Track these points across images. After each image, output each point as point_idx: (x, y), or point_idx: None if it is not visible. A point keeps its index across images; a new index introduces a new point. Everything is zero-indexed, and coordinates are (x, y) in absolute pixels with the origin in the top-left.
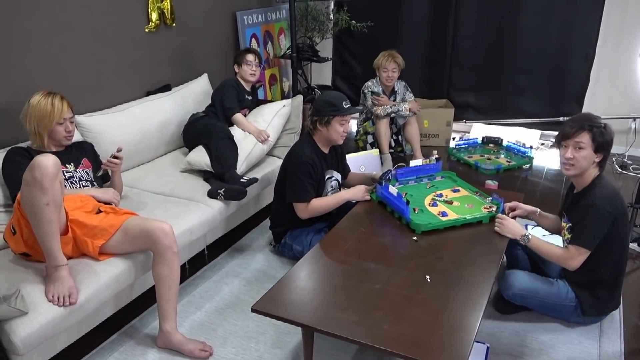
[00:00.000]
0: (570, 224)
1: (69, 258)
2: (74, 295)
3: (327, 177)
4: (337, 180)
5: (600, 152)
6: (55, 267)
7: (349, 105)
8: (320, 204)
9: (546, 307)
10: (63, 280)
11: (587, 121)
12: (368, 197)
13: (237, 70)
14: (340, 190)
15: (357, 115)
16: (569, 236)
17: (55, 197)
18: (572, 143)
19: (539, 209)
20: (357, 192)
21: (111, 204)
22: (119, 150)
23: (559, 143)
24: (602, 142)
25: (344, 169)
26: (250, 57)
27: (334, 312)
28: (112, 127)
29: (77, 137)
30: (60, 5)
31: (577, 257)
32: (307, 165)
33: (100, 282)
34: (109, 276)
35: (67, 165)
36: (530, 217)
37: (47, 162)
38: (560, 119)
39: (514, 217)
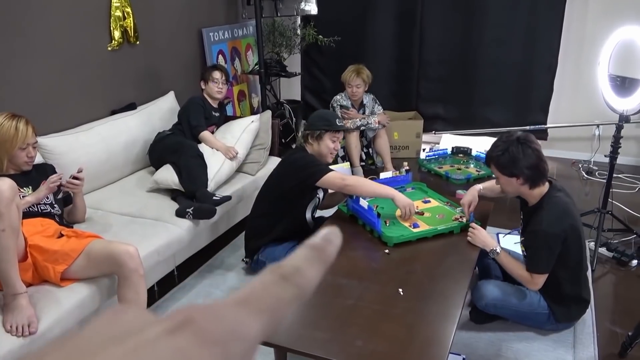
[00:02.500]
0: (524, 239)
1: (29, 285)
2: (33, 324)
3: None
4: (319, 198)
5: (516, 175)
6: (14, 296)
7: (342, 124)
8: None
9: (520, 316)
10: (22, 309)
11: (490, 151)
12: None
13: (203, 87)
14: (316, 210)
15: None
16: (524, 249)
17: (12, 222)
18: None
19: (480, 185)
20: (402, 199)
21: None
22: (79, 171)
23: None
24: (510, 168)
25: (326, 190)
26: (216, 75)
27: (307, 330)
28: (76, 148)
29: (38, 159)
30: (21, 24)
31: (537, 281)
32: (312, 156)
33: (63, 309)
34: (72, 302)
35: (24, 188)
36: (480, 194)
37: (2, 186)
38: (527, 127)
39: (474, 209)
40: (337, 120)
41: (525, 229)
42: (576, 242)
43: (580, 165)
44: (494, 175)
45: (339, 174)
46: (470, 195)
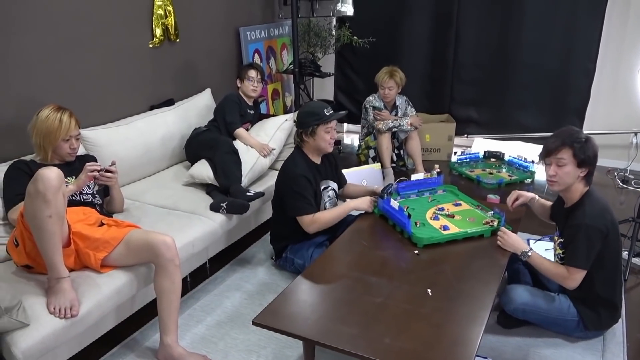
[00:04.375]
0: (562, 240)
1: (71, 270)
2: (75, 307)
3: (322, 187)
4: (334, 189)
5: (584, 167)
6: (57, 279)
7: (331, 112)
8: (326, 215)
9: (549, 322)
10: (65, 292)
11: (567, 137)
12: (372, 209)
13: (239, 85)
14: (337, 200)
15: (359, 129)
16: (560, 251)
17: (58, 209)
18: (554, 160)
19: (537, 196)
20: (362, 203)
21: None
22: (112, 164)
23: (543, 160)
24: (585, 157)
25: (340, 179)
26: (252, 73)
27: (335, 325)
28: (116, 141)
29: (80, 150)
30: (66, 20)
31: (574, 276)
32: (301, 178)
33: (102, 295)
34: (110, 288)
35: (67, 178)
36: (529, 202)
37: (50, 174)
38: None
39: (519, 206)
40: (325, 110)
41: (564, 229)
42: (616, 241)
43: (615, 174)
44: (559, 163)
45: (309, 217)
46: (525, 192)
